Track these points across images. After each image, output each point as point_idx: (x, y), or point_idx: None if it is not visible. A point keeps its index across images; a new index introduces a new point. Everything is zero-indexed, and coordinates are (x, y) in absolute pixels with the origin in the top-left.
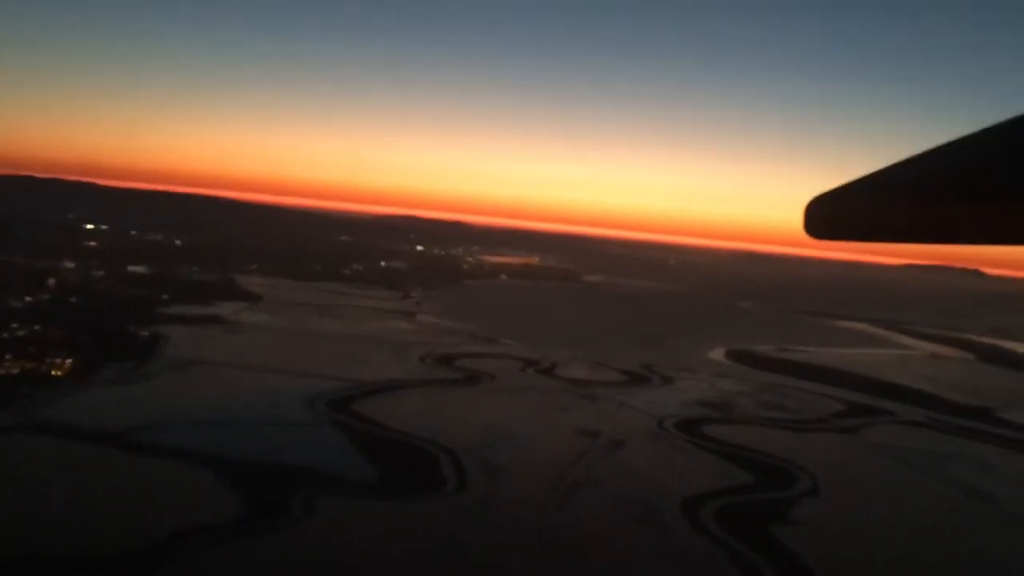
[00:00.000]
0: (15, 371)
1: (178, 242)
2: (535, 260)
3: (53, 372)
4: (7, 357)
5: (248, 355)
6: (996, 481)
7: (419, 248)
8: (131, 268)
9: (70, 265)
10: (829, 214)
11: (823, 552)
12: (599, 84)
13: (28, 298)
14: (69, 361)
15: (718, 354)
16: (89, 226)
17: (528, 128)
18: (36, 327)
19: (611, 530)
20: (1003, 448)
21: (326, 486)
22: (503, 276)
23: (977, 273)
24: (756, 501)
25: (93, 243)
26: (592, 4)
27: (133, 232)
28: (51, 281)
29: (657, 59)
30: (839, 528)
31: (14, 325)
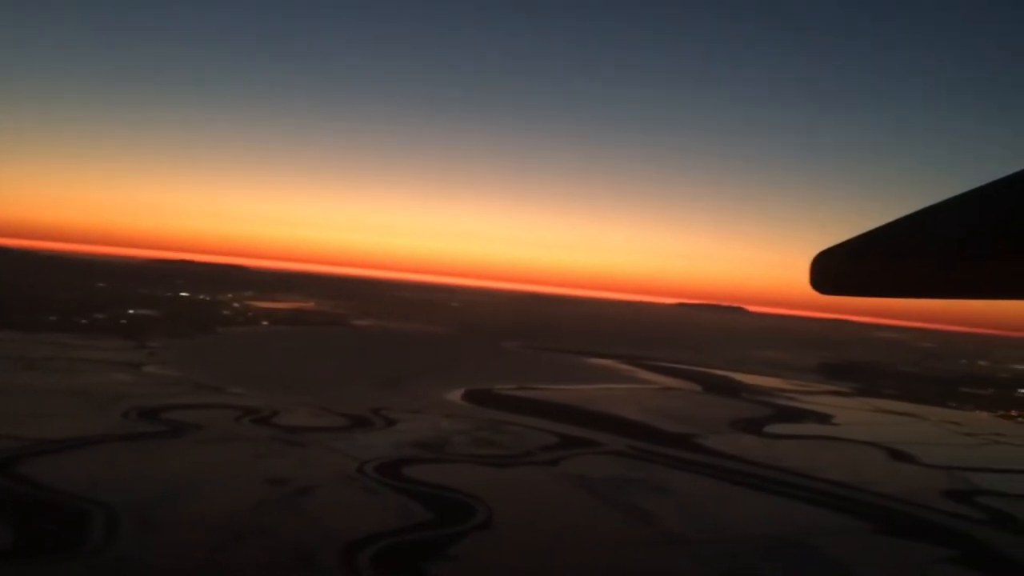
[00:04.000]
0: None
1: None
2: (309, 305)
3: None
4: None
5: None
6: (667, 504)
7: (182, 294)
8: None
9: None
10: (838, 270)
11: None
12: (392, 121)
13: None
14: None
15: (456, 395)
16: None
17: (315, 168)
18: None
19: None
20: (689, 473)
21: None
22: (264, 323)
23: (740, 310)
24: (423, 539)
25: None
26: (355, 56)
27: None
28: None
29: (443, 104)
30: (491, 556)
31: None
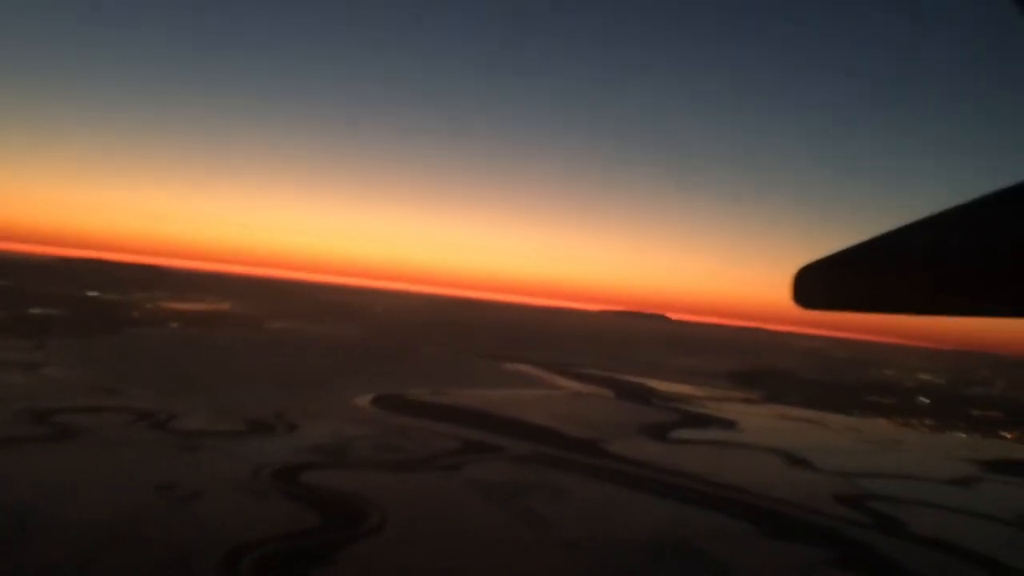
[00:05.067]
0: None
1: None
2: (224, 306)
3: None
4: None
5: None
6: (563, 509)
7: (91, 294)
8: None
9: None
10: (821, 285)
11: None
12: (317, 123)
13: None
14: None
15: (364, 400)
16: None
17: (239, 169)
18: None
19: None
20: (587, 477)
21: None
22: (174, 325)
23: (663, 317)
24: (309, 545)
25: None
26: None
27: None
28: None
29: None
30: (377, 562)
31: None
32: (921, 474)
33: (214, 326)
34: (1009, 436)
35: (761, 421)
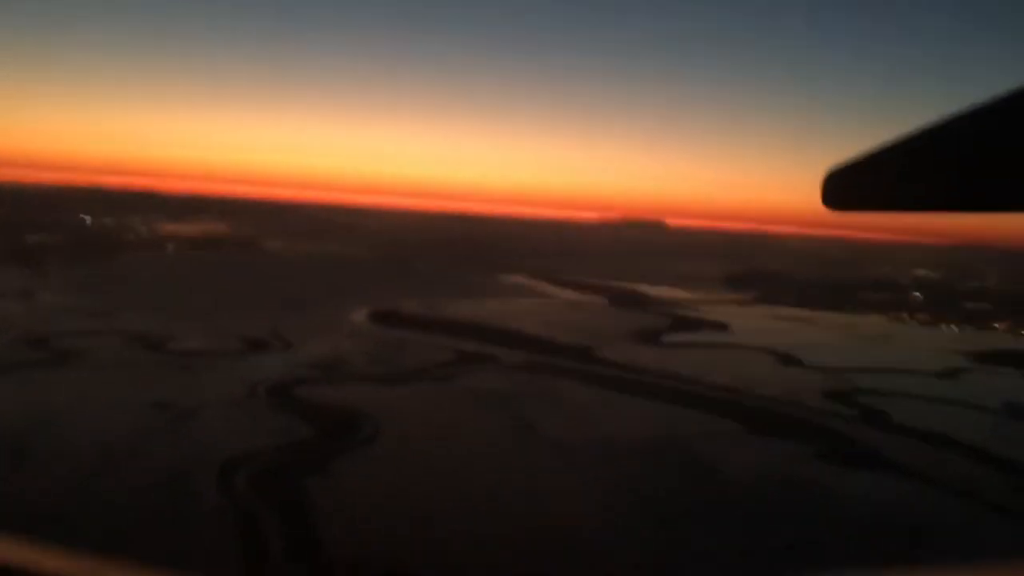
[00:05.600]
0: None
1: None
2: (221, 228)
3: None
4: None
5: None
6: (552, 413)
7: (85, 219)
8: None
9: None
10: (848, 185)
11: (342, 495)
12: (307, 38)
13: None
14: None
15: (360, 316)
16: None
17: (232, 88)
18: None
19: (124, 501)
20: (578, 382)
21: None
22: (170, 247)
23: (660, 225)
24: (304, 457)
25: None
26: None
27: None
28: None
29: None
30: (370, 469)
31: None
32: (910, 367)
33: (210, 248)
34: (1000, 327)
35: (753, 322)
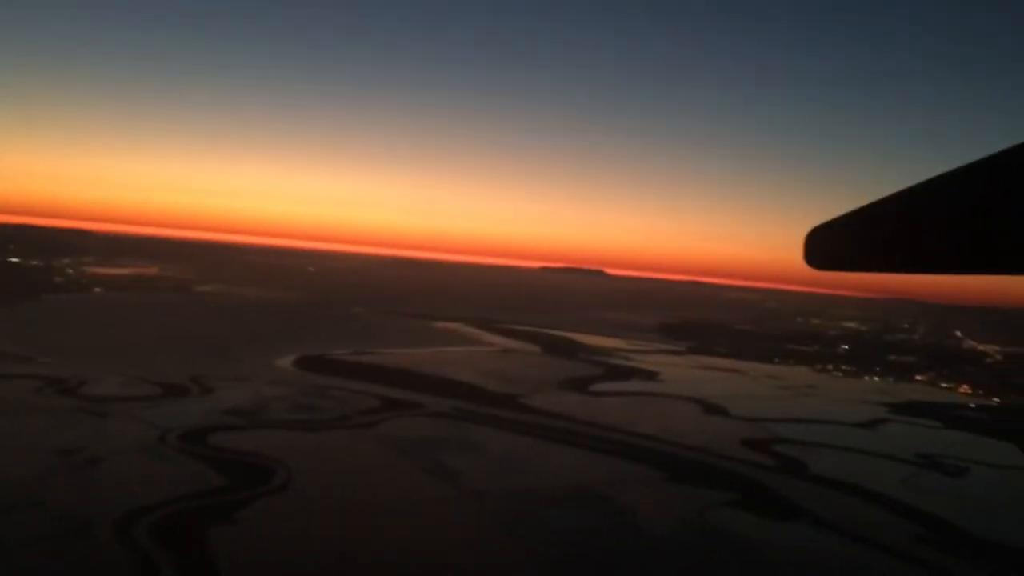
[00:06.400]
0: None
1: None
2: (152, 270)
3: None
4: None
5: None
6: (474, 462)
7: (11, 260)
8: None
9: None
10: (831, 245)
11: (246, 546)
12: (249, 82)
13: None
14: None
15: (286, 361)
16: None
17: (171, 130)
18: None
19: (19, 551)
20: (502, 431)
21: None
22: (97, 290)
23: (601, 273)
24: (211, 504)
25: None
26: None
27: None
28: None
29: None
30: (279, 519)
31: None
32: (829, 418)
33: (139, 290)
34: (921, 379)
35: (683, 372)
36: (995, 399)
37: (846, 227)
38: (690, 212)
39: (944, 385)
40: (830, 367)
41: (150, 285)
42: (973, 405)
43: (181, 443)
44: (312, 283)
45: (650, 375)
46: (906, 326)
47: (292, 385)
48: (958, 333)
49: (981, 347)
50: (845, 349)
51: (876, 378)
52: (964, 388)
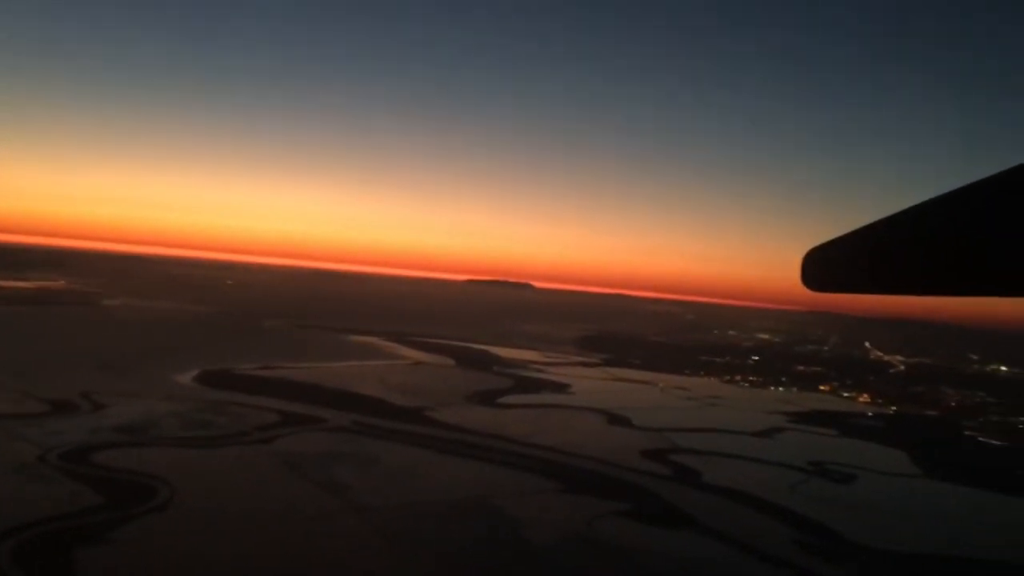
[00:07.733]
0: None
1: None
2: (59, 284)
3: None
4: None
5: None
6: (367, 477)
7: None
8: None
9: None
10: (829, 266)
11: (112, 562)
12: (169, 93)
13: None
14: None
15: (187, 377)
16: None
17: (88, 138)
18: None
19: None
20: (401, 445)
21: None
22: None
23: (528, 286)
24: (83, 525)
25: None
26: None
27: None
28: None
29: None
30: (157, 539)
31: None
32: (730, 427)
33: (41, 304)
34: (825, 389)
35: (593, 384)
36: (892, 408)
37: (843, 249)
38: (618, 226)
39: (846, 394)
40: (738, 378)
41: (54, 299)
42: (870, 413)
43: (61, 462)
44: (228, 296)
45: (560, 387)
46: (820, 338)
47: (189, 401)
48: (867, 344)
49: (887, 358)
50: (755, 360)
51: (781, 388)
52: (864, 397)
